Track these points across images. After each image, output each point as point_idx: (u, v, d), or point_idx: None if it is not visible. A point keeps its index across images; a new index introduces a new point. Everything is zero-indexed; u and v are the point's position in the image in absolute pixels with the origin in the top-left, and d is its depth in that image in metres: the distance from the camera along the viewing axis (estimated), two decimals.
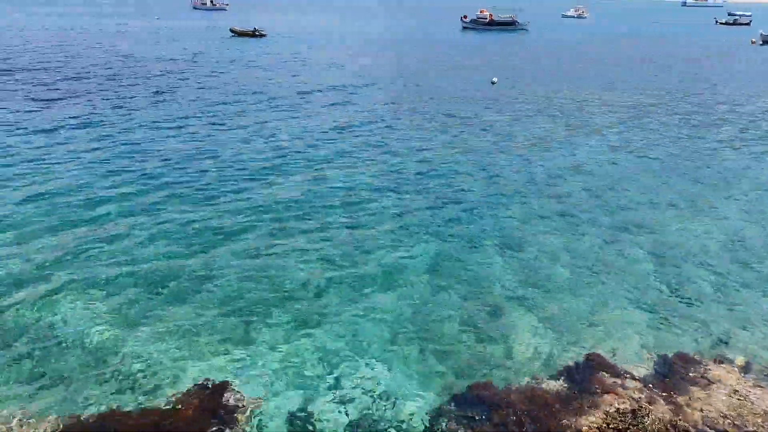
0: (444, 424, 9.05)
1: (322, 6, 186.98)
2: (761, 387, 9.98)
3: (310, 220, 16.27)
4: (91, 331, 10.91)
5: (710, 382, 10.04)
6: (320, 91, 36.00)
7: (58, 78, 36.62)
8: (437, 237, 15.47)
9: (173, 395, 9.48)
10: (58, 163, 20.06)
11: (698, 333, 11.69)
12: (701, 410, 9.31)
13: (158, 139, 23.71)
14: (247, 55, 53.10)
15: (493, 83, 41.31)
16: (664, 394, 9.71)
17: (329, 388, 9.83)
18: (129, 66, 42.94)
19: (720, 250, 15.24)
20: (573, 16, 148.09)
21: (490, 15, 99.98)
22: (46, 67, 40.48)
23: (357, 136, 25.48)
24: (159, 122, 26.45)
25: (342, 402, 9.53)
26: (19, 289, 12.14)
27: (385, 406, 9.49)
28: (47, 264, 13.18)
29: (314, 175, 19.90)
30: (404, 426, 9.09)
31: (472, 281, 13.32)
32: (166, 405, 9.25)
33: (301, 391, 9.72)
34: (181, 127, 25.72)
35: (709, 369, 10.43)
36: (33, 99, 30.08)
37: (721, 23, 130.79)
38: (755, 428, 8.97)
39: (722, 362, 10.72)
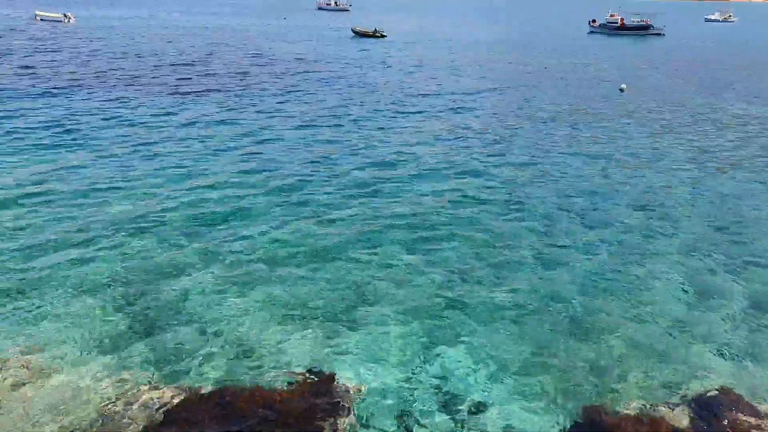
0: None
1: (442, 8, 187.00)
2: None
3: (448, 226, 15.88)
4: (219, 313, 11.53)
5: None
6: (439, 94, 35.83)
7: (196, 73, 39.66)
8: (574, 266, 14.63)
9: (284, 377, 9.76)
10: (198, 154, 21.46)
11: None
12: None
13: (288, 135, 24.68)
14: (369, 55, 54.30)
15: (621, 90, 38.98)
16: None
17: (437, 394, 9.63)
18: (260, 64, 45.44)
19: None
20: (718, 20, 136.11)
21: (621, 20, 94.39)
22: (187, 62, 44.08)
23: (476, 142, 25.10)
24: (287, 118, 27.74)
25: (447, 406, 9.32)
26: (160, 269, 13.02)
27: (492, 418, 9.17)
28: (185, 246, 14.11)
29: (446, 184, 19.32)
30: None
31: (591, 297, 12.57)
32: (276, 386, 9.54)
33: (410, 391, 9.62)
34: (305, 126, 26.67)
35: None
36: (178, 93, 32.79)
37: None
38: None
39: None
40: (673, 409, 9.28)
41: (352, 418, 8.87)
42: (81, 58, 43.26)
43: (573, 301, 12.39)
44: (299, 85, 36.88)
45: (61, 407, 8.87)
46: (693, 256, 14.59)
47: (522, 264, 13.96)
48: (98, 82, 34.42)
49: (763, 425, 8.90)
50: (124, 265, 13.07)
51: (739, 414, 9.20)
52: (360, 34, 74.52)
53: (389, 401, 9.38)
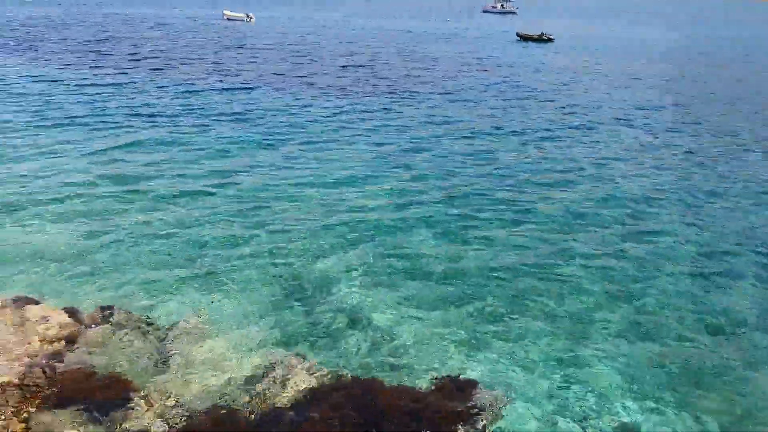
0: None
1: (613, 10, 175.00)
2: None
3: (598, 243, 15.34)
4: (374, 308, 11.88)
5: None
6: (611, 107, 33.15)
7: (364, 75, 41.00)
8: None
9: (428, 378, 9.85)
10: (363, 159, 21.70)
11: None
12: None
13: (455, 145, 24.20)
14: (533, 61, 52.48)
15: None
16: None
17: (581, 411, 9.37)
18: (423, 68, 45.71)
19: None
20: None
21: None
22: (357, 64, 45.77)
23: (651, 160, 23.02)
24: (452, 124, 27.56)
25: (592, 426, 8.99)
26: (325, 272, 13.45)
27: None
28: (349, 248, 14.49)
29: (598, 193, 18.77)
30: None
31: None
32: (421, 386, 9.65)
33: (554, 406, 9.42)
34: (470, 136, 25.83)
35: None
36: (346, 94, 33.88)
37: None
38: None
39: None
40: None
41: (492, 427, 8.77)
42: (261, 56, 46.96)
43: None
44: (462, 91, 36.19)
45: (217, 367, 9.69)
46: None
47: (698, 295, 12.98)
48: (277, 78, 37.06)
49: None
50: (289, 260, 13.72)
51: None
52: (525, 38, 72.14)
53: (531, 414, 9.20)
